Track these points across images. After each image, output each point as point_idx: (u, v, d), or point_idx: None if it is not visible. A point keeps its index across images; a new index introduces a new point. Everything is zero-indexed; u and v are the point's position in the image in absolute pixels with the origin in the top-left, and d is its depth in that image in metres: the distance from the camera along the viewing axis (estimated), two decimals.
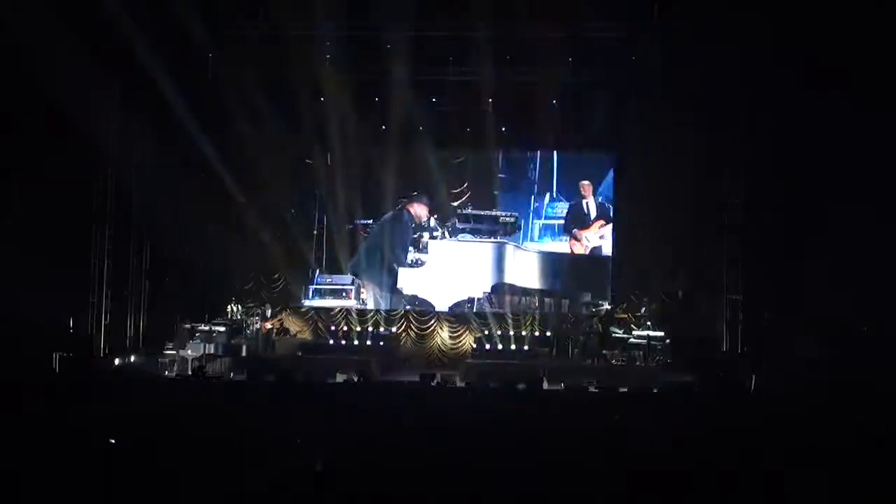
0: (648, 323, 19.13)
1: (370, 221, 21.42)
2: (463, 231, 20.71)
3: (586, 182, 21.05)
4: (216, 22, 18.01)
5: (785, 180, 16.41)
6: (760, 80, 15.99)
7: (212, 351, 18.33)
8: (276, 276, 21.21)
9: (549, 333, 19.86)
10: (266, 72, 19.04)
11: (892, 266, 14.94)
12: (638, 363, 18.39)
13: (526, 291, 20.67)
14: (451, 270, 20.42)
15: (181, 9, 17.29)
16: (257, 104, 19.21)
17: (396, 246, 21.02)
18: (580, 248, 21.13)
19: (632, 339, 18.77)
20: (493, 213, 20.78)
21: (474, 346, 20.03)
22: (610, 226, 20.97)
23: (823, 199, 15.77)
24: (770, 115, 16.17)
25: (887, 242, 14.87)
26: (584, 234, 21.04)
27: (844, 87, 14.96)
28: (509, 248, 20.48)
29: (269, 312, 20.32)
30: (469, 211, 20.89)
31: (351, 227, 21.31)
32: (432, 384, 15.89)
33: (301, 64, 18.97)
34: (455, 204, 21.29)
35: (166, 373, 17.01)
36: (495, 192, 21.50)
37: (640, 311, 19.80)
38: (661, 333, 18.77)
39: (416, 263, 20.70)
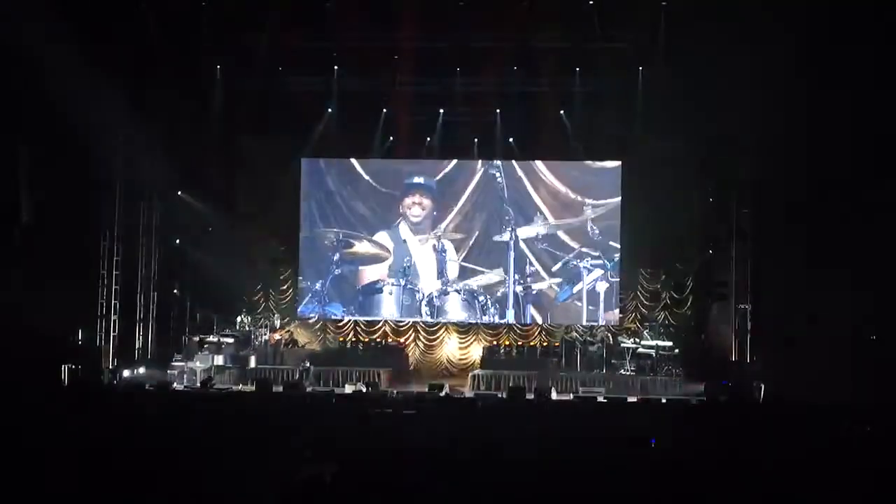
0: (651, 333, 19.08)
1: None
2: None
3: None
4: (222, 32, 18.04)
5: (794, 187, 16.36)
6: (768, 85, 15.94)
7: (220, 362, 18.35)
8: (285, 287, 21.24)
9: (557, 344, 19.83)
10: (272, 82, 19.05)
11: None
12: (647, 373, 18.34)
13: None
14: None
15: (188, 19, 17.39)
16: (263, 114, 19.26)
17: None
18: None
19: (640, 349, 18.71)
20: None
21: (483, 356, 20.02)
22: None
23: (833, 206, 15.72)
24: (778, 120, 16.11)
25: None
26: None
27: (853, 90, 14.93)
28: None
29: (277, 323, 20.35)
30: None
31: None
32: (441, 395, 15.89)
33: (307, 74, 19.04)
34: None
35: (175, 384, 17.02)
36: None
37: (648, 321, 19.78)
38: (670, 343, 18.72)
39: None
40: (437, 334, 21.02)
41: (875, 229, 15.01)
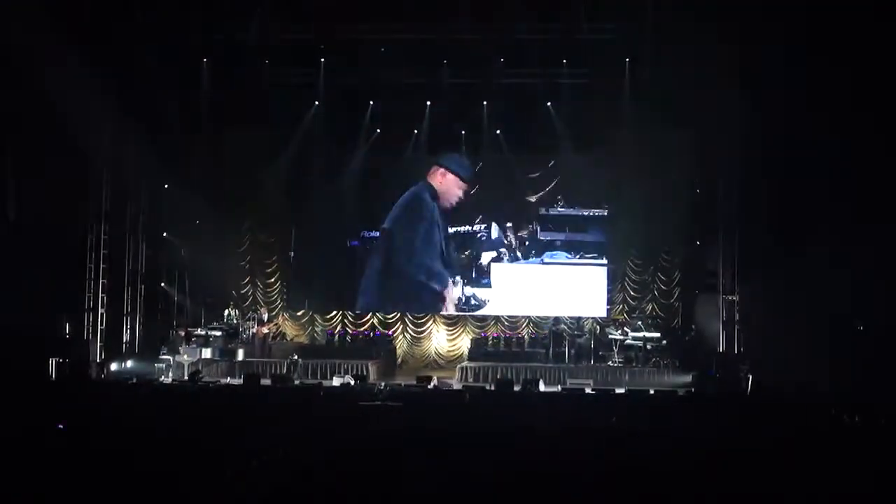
0: (640, 324, 19.12)
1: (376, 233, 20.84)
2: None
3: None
4: (210, 26, 17.98)
5: (780, 180, 16.42)
6: (755, 81, 15.99)
7: (208, 356, 18.32)
8: (273, 279, 21.21)
9: (544, 335, 19.85)
10: (260, 75, 19.00)
11: (888, 265, 14.96)
12: (634, 364, 18.38)
13: None
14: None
15: (176, 13, 17.35)
16: (250, 107, 19.19)
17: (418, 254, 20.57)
18: None
19: (628, 341, 18.75)
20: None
21: (471, 347, 20.04)
22: None
23: (819, 199, 15.78)
24: (765, 115, 16.17)
25: (883, 241, 14.89)
26: None
27: (840, 88, 14.98)
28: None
29: (265, 317, 20.32)
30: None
31: (355, 243, 20.96)
32: (429, 387, 15.90)
33: (295, 67, 19.00)
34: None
35: (162, 378, 16.98)
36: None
37: (636, 313, 19.81)
38: (658, 335, 18.77)
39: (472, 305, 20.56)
40: (425, 326, 21.03)
41: (866, 222, 15.06)
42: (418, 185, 20.44)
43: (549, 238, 20.30)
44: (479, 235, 20.47)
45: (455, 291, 20.22)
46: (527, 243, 20.38)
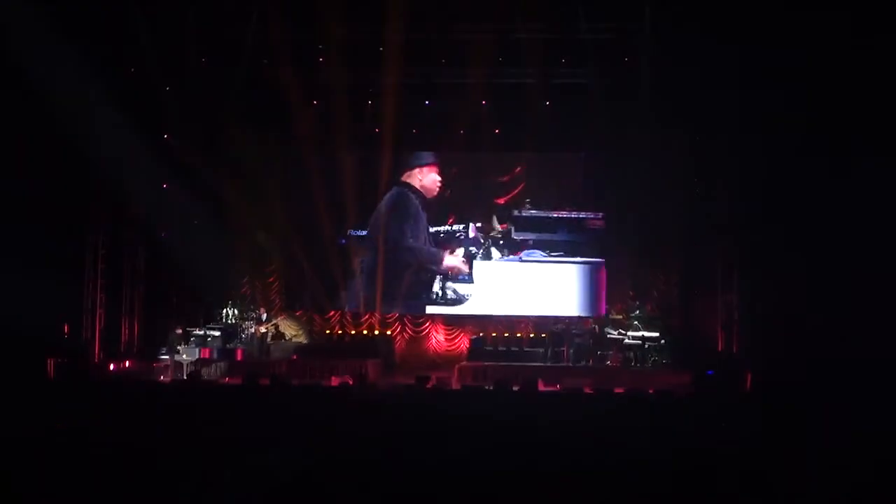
0: (637, 324, 19.10)
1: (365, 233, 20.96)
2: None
3: None
4: (209, 24, 17.99)
5: (780, 179, 16.42)
6: (754, 80, 16.00)
7: (207, 355, 18.33)
8: (272, 279, 21.20)
9: (543, 335, 19.83)
10: (259, 74, 19.01)
11: (886, 265, 14.96)
12: (633, 364, 18.38)
13: None
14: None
15: (175, 11, 17.36)
16: (249, 106, 19.19)
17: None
18: None
19: (627, 340, 18.75)
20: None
21: (470, 348, 20.02)
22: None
23: (819, 199, 15.77)
24: (762, 114, 16.19)
25: (883, 241, 14.89)
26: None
27: (838, 88, 14.99)
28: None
29: (263, 316, 20.32)
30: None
31: (343, 241, 21.01)
32: (428, 387, 15.90)
33: (294, 66, 18.99)
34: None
35: (161, 378, 16.97)
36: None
37: (634, 312, 19.80)
38: (657, 334, 18.76)
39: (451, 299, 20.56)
40: (424, 326, 21.02)
41: (866, 222, 15.06)
42: (399, 187, 20.70)
43: (546, 238, 20.32)
44: (457, 235, 20.56)
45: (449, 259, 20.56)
46: (501, 241, 20.48)
